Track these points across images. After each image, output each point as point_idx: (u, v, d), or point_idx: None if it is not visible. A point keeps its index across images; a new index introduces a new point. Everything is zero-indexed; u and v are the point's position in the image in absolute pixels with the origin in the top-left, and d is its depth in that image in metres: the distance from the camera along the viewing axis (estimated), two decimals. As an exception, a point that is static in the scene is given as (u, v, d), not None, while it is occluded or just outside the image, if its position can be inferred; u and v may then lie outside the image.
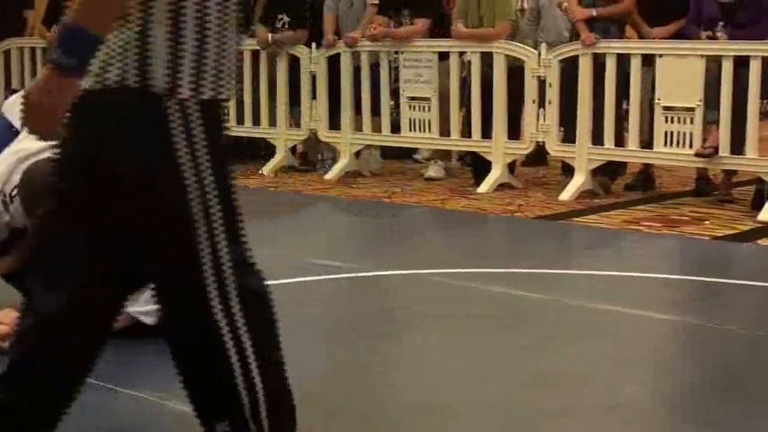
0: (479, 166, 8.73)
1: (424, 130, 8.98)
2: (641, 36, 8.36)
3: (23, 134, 4.32)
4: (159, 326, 4.10)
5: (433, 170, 9.17)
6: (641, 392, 3.87)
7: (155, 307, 4.14)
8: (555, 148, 8.52)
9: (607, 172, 8.37)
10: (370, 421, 3.58)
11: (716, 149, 7.65)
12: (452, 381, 3.94)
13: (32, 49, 11.09)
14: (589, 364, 4.14)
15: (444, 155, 9.41)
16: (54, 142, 4.00)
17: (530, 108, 8.49)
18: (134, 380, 3.79)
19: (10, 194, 4.08)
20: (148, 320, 4.17)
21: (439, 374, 4.01)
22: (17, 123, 4.41)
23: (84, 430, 3.34)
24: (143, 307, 4.15)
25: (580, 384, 3.90)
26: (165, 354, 4.10)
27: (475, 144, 8.77)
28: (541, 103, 8.49)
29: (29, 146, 4.20)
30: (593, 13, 8.28)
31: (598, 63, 8.12)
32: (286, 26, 9.56)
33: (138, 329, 4.13)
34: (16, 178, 4.08)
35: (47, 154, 4.14)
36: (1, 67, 11.28)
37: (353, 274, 5.58)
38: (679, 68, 7.79)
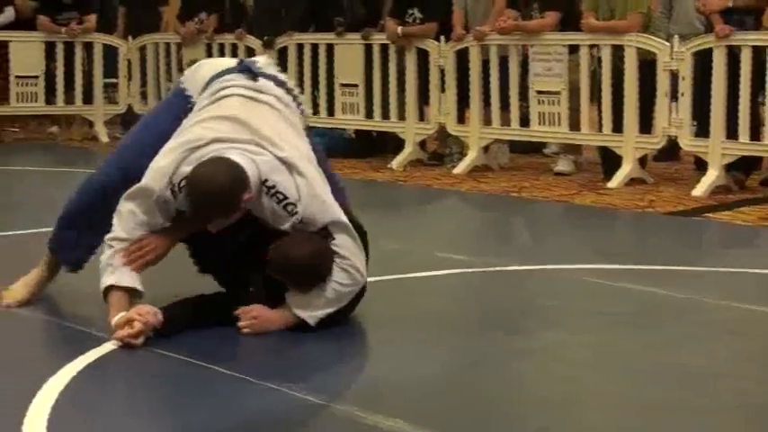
0: (610, 161, 8.63)
1: (554, 124, 8.91)
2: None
3: (188, 121, 4.39)
4: (318, 327, 4.22)
5: (563, 164, 9.09)
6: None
7: (318, 313, 4.23)
8: (688, 143, 8.37)
9: (742, 167, 8.19)
10: (498, 412, 3.57)
11: None
12: (581, 376, 3.91)
13: (167, 45, 11.32)
14: (720, 361, 4.06)
15: (574, 149, 9.32)
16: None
17: (662, 102, 8.35)
18: (296, 378, 3.83)
19: (179, 185, 4.17)
20: (311, 321, 4.26)
21: (568, 369, 3.98)
22: (194, 93, 4.51)
23: (233, 422, 3.42)
24: (314, 311, 4.25)
25: (710, 382, 3.83)
26: (319, 352, 4.19)
27: (605, 138, 8.66)
28: (674, 96, 8.35)
29: (200, 134, 4.25)
30: (730, 3, 8.10)
31: (733, 55, 7.94)
32: (417, 21, 9.58)
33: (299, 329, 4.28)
34: (186, 169, 4.16)
35: (216, 146, 4.19)
36: (137, 61, 11.54)
37: (482, 269, 5.56)
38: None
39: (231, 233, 4.28)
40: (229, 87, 4.42)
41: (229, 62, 4.65)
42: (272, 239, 4.23)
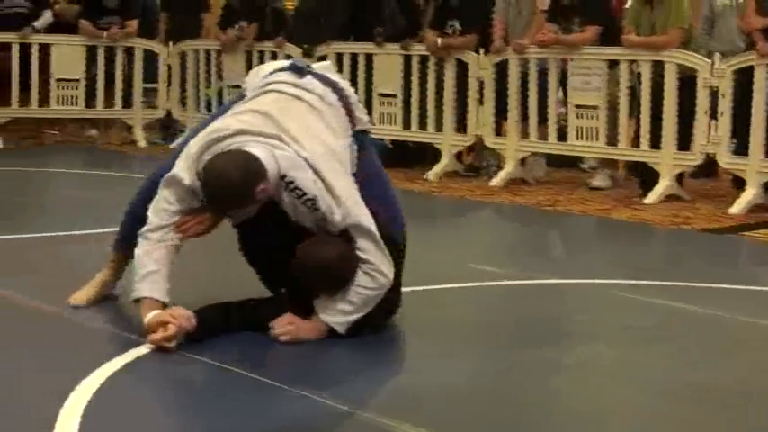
0: (647, 177, 8.59)
1: (592, 139, 8.88)
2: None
3: (230, 111, 4.43)
4: (350, 335, 4.23)
5: (599, 179, 9.06)
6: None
7: (346, 318, 4.23)
8: (726, 161, 8.33)
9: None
10: (527, 424, 3.57)
11: None
12: (612, 390, 3.91)
13: (207, 51, 11.38)
14: (748, 380, 4.04)
15: (611, 164, 9.29)
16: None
17: (701, 118, 8.31)
18: (326, 386, 3.84)
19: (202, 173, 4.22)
20: (340, 329, 4.27)
21: (599, 383, 3.98)
22: (248, 91, 4.55)
23: (262, 428, 3.45)
24: (342, 318, 4.26)
25: (739, 400, 3.81)
26: (349, 360, 4.20)
27: (643, 154, 8.63)
28: (713, 113, 8.31)
29: (228, 124, 4.30)
30: (773, 21, 8.05)
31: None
32: (456, 33, 9.58)
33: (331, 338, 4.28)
34: (208, 158, 4.20)
35: (240, 138, 4.20)
36: (177, 67, 11.60)
37: (515, 282, 5.56)
38: None
39: (273, 224, 4.29)
40: (273, 83, 4.48)
41: (284, 63, 4.71)
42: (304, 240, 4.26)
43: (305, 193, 4.16)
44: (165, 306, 4.23)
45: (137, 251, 4.33)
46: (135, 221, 4.51)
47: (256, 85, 4.55)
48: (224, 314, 4.38)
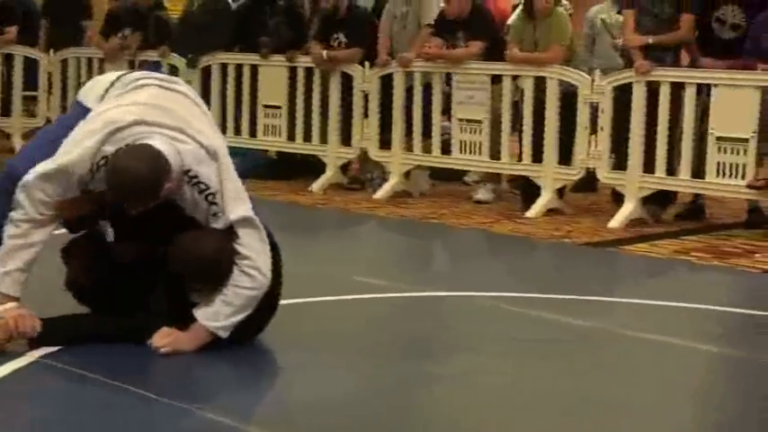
0: (529, 191, 8.71)
1: (475, 153, 8.97)
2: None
3: (102, 106, 4.35)
4: (231, 343, 4.20)
5: (483, 193, 9.15)
6: (683, 424, 3.84)
7: (227, 322, 4.18)
8: (605, 175, 8.48)
9: (658, 200, 8.31)
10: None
11: (768, 182, 7.58)
12: (494, 404, 3.93)
13: (89, 59, 11.21)
14: (632, 393, 4.11)
15: (494, 178, 9.39)
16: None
17: (581, 134, 8.45)
18: (208, 398, 3.80)
19: (98, 164, 4.13)
20: (221, 333, 4.23)
21: (481, 395, 4.01)
22: (92, 103, 4.46)
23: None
24: (223, 322, 4.22)
25: (622, 413, 3.87)
26: (231, 373, 4.15)
27: (525, 168, 8.75)
28: (593, 129, 8.46)
29: (121, 116, 4.20)
30: (650, 40, 8.22)
31: (652, 90, 8.07)
32: (342, 45, 9.60)
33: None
34: (109, 149, 4.12)
35: (140, 128, 4.12)
36: (58, 75, 11.41)
37: (399, 294, 5.57)
38: (734, 99, 7.73)
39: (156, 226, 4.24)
40: (144, 79, 4.43)
41: (128, 71, 4.67)
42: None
43: (208, 187, 4.14)
44: (18, 300, 4.18)
45: (7, 239, 4.19)
46: None
47: (99, 93, 4.47)
48: (82, 325, 4.32)
